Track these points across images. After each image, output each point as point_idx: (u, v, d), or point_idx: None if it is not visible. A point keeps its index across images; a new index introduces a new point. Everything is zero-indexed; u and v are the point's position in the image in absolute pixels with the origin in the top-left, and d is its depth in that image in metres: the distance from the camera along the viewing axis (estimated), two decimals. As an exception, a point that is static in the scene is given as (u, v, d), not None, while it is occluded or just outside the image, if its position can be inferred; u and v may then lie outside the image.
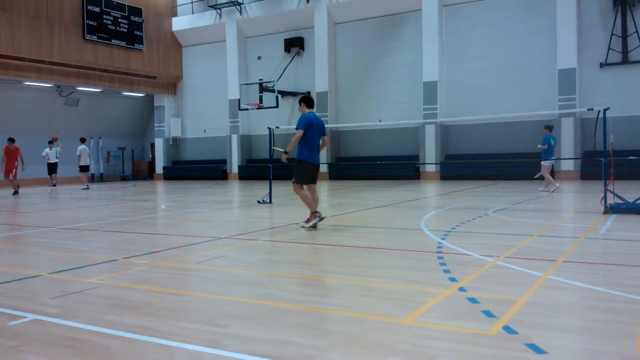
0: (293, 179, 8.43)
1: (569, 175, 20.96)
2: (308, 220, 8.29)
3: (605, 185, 9.73)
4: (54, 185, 22.87)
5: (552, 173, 21.18)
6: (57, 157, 22.83)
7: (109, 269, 5.64)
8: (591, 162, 19.16)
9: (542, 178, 15.95)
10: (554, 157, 15.60)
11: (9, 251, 7.04)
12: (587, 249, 6.29)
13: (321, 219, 8.35)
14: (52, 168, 22.71)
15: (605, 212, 9.36)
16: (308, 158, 8.31)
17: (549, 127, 15.39)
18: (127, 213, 11.88)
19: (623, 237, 7.04)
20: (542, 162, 15.36)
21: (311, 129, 8.28)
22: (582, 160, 20.37)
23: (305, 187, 8.44)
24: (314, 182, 8.54)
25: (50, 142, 22.55)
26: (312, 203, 8.33)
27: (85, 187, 21.26)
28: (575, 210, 10.66)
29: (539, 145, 15.35)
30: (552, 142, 15.25)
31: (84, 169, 21.83)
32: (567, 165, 21.14)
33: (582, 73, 21.04)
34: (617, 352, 2.99)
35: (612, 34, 20.40)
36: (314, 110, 8.65)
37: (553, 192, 14.67)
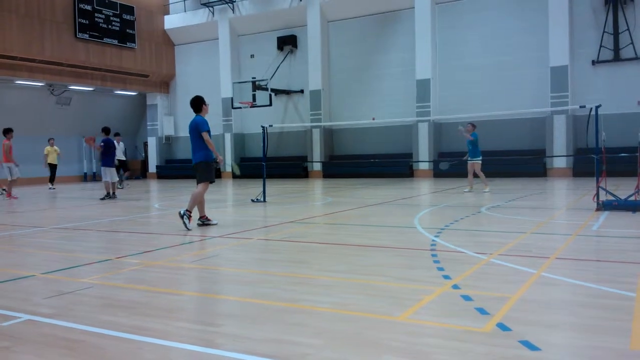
0: (201, 179, 8.67)
1: (561, 172, 21.05)
2: (187, 217, 8.37)
3: (598, 182, 9.79)
4: (121, 187, 19.49)
5: (545, 170, 21.34)
6: (124, 155, 20.83)
7: (103, 268, 5.61)
8: (583, 159, 19.23)
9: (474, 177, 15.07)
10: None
11: (2, 251, 6.99)
12: (580, 246, 6.32)
13: (207, 224, 8.75)
14: (122, 165, 20.14)
15: (597, 209, 9.42)
16: (209, 157, 8.72)
17: (475, 125, 14.57)
18: (120, 212, 11.83)
19: (615, 234, 7.08)
20: (474, 160, 14.53)
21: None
22: (574, 158, 20.46)
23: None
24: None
25: (116, 135, 19.74)
26: (203, 207, 8.82)
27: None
28: (568, 207, 10.71)
29: (465, 134, 14.32)
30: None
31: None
32: (559, 162, 21.23)
33: (574, 70, 21.13)
34: (611, 348, 3.01)
35: (604, 32, 20.50)
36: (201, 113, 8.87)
37: (468, 192, 14.39)
